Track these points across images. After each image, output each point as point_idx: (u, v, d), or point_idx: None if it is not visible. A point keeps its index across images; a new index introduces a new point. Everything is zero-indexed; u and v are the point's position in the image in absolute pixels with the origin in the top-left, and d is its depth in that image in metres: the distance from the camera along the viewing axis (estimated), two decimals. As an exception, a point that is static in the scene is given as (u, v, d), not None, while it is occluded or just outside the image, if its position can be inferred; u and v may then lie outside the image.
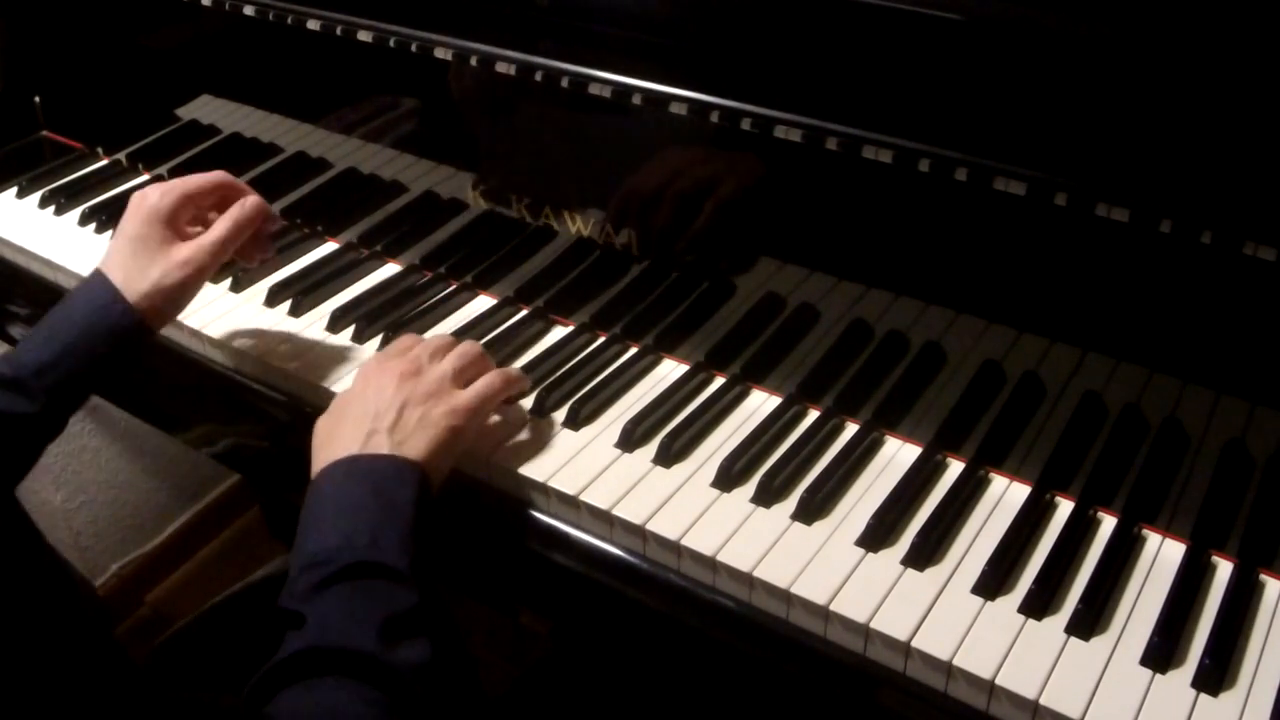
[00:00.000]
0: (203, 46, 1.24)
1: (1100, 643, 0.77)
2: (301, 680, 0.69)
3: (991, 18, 0.82)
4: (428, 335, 0.99)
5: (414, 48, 1.03)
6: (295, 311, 1.11)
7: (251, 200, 0.99)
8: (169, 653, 1.07)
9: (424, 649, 0.72)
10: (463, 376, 0.89)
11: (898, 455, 0.93)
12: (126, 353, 0.94)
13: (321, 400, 1.01)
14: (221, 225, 0.97)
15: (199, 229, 1.00)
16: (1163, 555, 0.84)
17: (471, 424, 0.87)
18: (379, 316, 1.09)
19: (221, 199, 1.01)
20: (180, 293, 0.96)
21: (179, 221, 0.98)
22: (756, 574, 0.82)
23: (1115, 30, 0.79)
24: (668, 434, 0.93)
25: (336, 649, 0.70)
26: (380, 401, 0.84)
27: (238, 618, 1.06)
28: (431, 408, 0.84)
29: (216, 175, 1.02)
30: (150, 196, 0.97)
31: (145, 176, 1.34)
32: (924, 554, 0.83)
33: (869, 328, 0.93)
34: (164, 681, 1.01)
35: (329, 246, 1.22)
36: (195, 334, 1.09)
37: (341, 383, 1.01)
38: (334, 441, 0.83)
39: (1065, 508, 0.88)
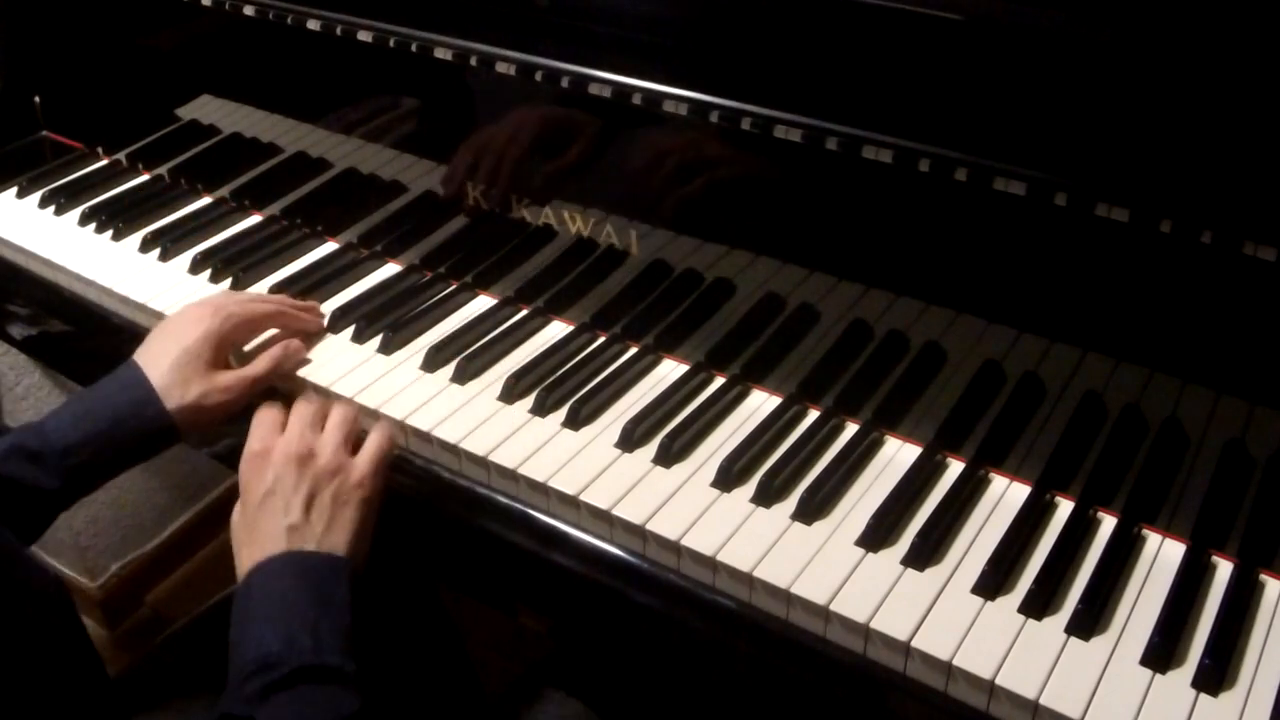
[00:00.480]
0: (203, 46, 1.24)
1: (1100, 643, 0.77)
2: None
3: (991, 18, 0.82)
4: (316, 392, 0.99)
5: (414, 48, 1.03)
6: (295, 311, 1.11)
7: (295, 345, 1.03)
8: (168, 653, 1.07)
9: None
10: (350, 440, 0.89)
11: (898, 455, 0.93)
12: (151, 450, 0.95)
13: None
14: (263, 363, 0.99)
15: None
16: (1163, 555, 0.84)
17: (380, 487, 0.87)
18: (379, 316, 1.09)
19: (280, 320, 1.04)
20: (215, 414, 0.96)
21: (230, 342, 0.99)
22: (756, 574, 0.82)
23: (1115, 30, 0.79)
24: (668, 434, 0.93)
25: None
26: (285, 491, 0.84)
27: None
28: (340, 487, 0.85)
29: (278, 305, 1.05)
30: (210, 321, 0.97)
31: (145, 176, 1.34)
32: (924, 554, 0.83)
33: (869, 328, 0.93)
34: (163, 682, 1.01)
35: (329, 246, 1.22)
36: (195, 334, 1.09)
37: (342, 382, 1.01)
38: (256, 540, 0.83)
39: (1065, 508, 0.88)
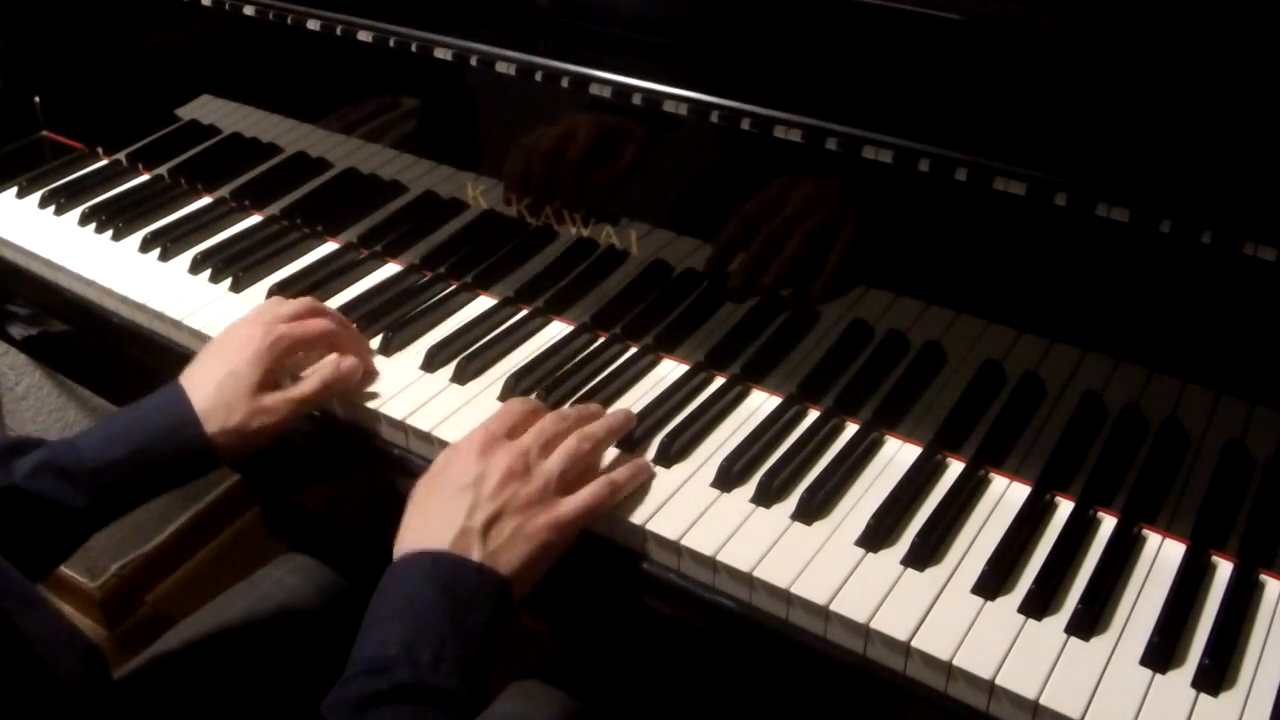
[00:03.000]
0: (203, 46, 1.24)
1: (1100, 643, 0.77)
2: None
3: (991, 18, 0.82)
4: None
5: (414, 48, 1.03)
6: (295, 311, 1.11)
7: (347, 364, 0.98)
8: (168, 653, 1.07)
9: None
10: (567, 479, 0.84)
11: (898, 455, 0.93)
12: (188, 475, 0.91)
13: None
14: (312, 383, 0.95)
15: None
16: (1163, 555, 0.84)
17: (569, 539, 0.83)
18: (379, 316, 1.09)
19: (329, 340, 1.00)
20: (258, 437, 0.92)
21: (280, 363, 0.95)
22: (756, 574, 0.82)
23: (1115, 30, 0.79)
24: (668, 434, 0.93)
25: None
26: (481, 494, 0.80)
27: (237, 623, 1.06)
28: (531, 518, 0.80)
29: (327, 324, 0.99)
30: (259, 342, 0.93)
31: (145, 176, 1.34)
32: (924, 554, 0.83)
33: (869, 328, 0.93)
34: (163, 682, 1.01)
35: (329, 246, 1.22)
36: (195, 334, 1.09)
37: (341, 383, 1.01)
38: (427, 521, 0.80)
39: (1065, 508, 0.88)
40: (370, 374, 1.01)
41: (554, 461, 0.84)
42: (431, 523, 0.80)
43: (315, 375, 0.96)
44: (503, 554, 0.79)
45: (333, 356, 0.98)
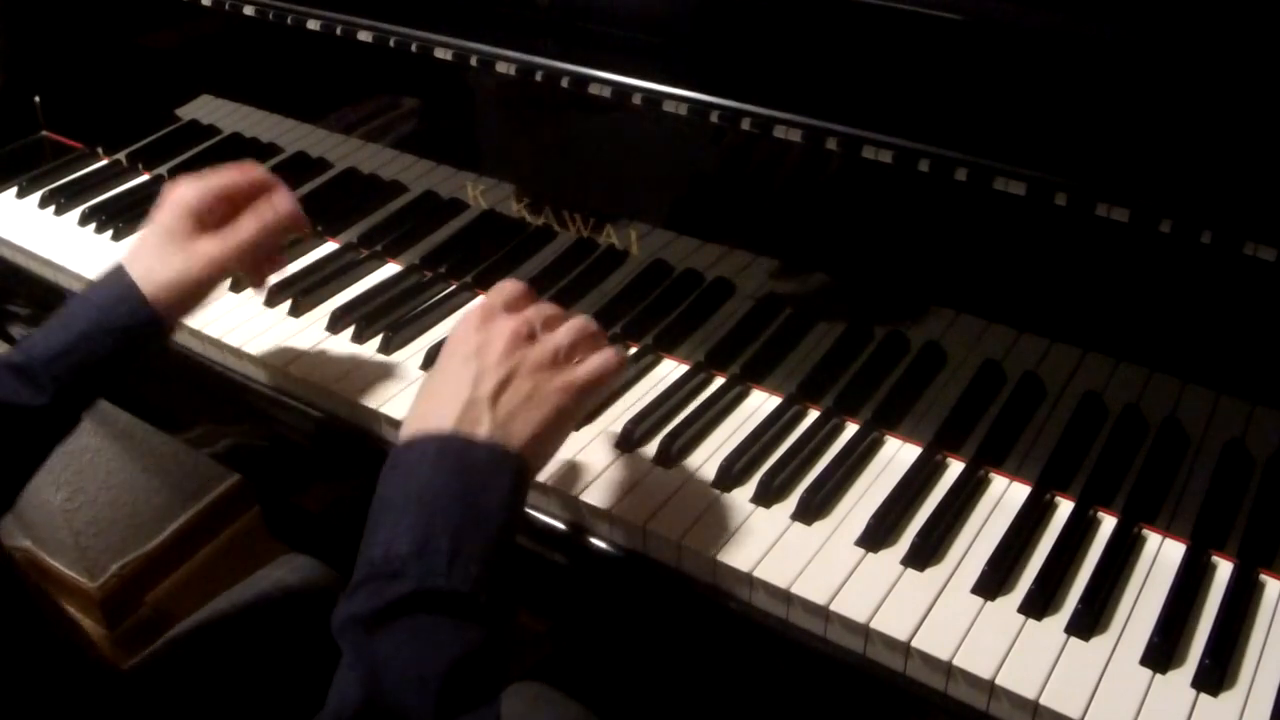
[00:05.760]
0: (203, 46, 1.24)
1: (1100, 643, 0.77)
2: None
3: (991, 18, 0.82)
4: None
5: (414, 48, 1.03)
6: (295, 311, 1.11)
7: (283, 201, 0.94)
8: (168, 653, 1.07)
9: (485, 714, 0.67)
10: (575, 353, 0.79)
11: (898, 455, 0.93)
12: (138, 348, 0.90)
13: (321, 399, 1.01)
14: (248, 225, 0.92)
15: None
16: (1163, 555, 0.84)
17: (582, 407, 0.79)
18: (379, 316, 1.09)
19: (256, 195, 0.94)
20: (199, 287, 0.91)
21: (210, 217, 0.92)
22: (756, 574, 0.82)
23: (1114, 30, 0.79)
24: (668, 434, 0.93)
25: (391, 713, 0.65)
26: (486, 361, 0.75)
27: (237, 623, 1.06)
28: (543, 382, 0.76)
29: (252, 172, 0.95)
30: (183, 191, 0.92)
31: (145, 176, 1.34)
32: (924, 554, 0.83)
33: (869, 328, 0.93)
34: (163, 682, 1.01)
35: (329, 246, 1.22)
36: (195, 334, 1.09)
37: (343, 382, 1.01)
38: (433, 398, 0.76)
39: (1065, 508, 0.88)
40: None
41: (562, 333, 0.79)
42: (436, 401, 0.75)
43: (251, 215, 0.92)
44: (514, 422, 0.74)
45: (267, 197, 0.94)
